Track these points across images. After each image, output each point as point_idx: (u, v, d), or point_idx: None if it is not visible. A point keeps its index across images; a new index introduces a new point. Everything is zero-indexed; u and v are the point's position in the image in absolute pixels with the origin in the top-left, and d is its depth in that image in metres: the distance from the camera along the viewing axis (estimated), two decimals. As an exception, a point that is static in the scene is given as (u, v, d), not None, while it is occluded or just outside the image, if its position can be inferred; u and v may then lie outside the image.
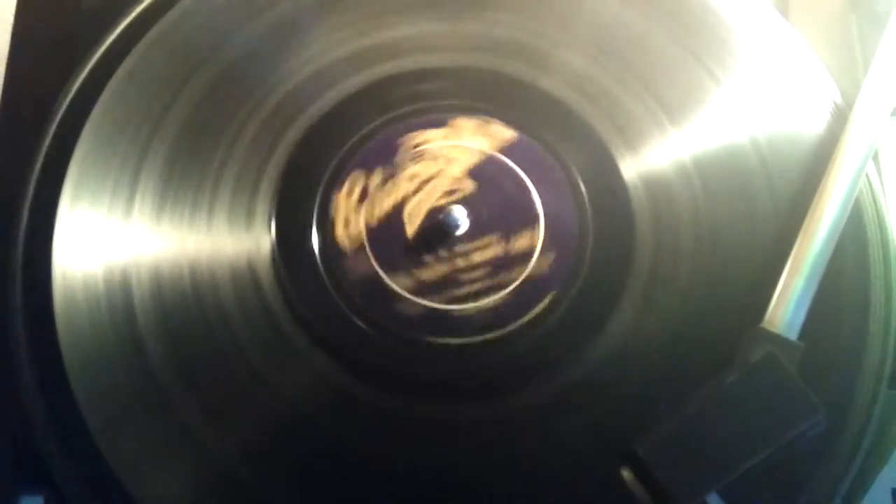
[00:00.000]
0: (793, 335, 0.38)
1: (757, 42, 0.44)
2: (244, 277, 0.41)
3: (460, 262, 0.41)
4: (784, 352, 0.37)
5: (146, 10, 0.44)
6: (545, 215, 0.42)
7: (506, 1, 0.45)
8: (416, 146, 0.43)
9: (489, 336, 0.41)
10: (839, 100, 0.43)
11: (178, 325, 0.40)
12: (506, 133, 0.43)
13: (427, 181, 0.42)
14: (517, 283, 0.41)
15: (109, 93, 0.43)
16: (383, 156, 0.43)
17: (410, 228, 0.42)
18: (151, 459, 0.39)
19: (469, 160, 0.43)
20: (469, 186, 0.42)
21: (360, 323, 0.41)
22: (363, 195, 0.42)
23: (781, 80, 0.44)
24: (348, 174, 0.43)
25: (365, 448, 0.40)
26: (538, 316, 0.41)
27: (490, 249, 0.41)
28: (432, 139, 0.43)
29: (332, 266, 0.41)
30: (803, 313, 0.39)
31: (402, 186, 0.42)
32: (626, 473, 0.36)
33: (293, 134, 0.43)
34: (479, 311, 0.41)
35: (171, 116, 0.43)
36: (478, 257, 0.41)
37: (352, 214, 0.42)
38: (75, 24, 0.47)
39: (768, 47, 0.44)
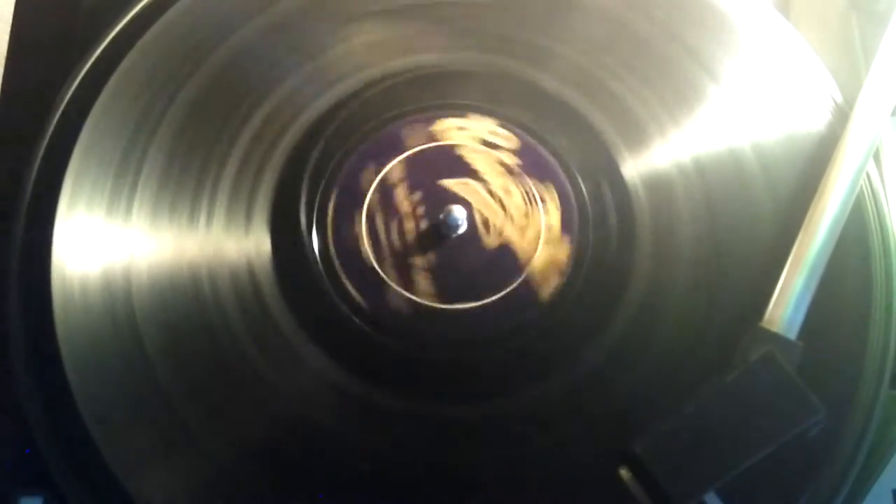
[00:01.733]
0: (792, 334, 0.38)
1: (758, 42, 0.44)
2: (243, 278, 0.41)
3: (457, 262, 0.41)
4: (783, 351, 0.37)
5: (144, 11, 0.44)
6: (546, 221, 0.42)
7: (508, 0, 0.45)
8: (424, 140, 0.43)
9: (487, 336, 0.41)
10: (840, 99, 0.43)
11: (177, 326, 0.40)
12: (512, 138, 0.43)
13: (434, 176, 0.43)
14: (513, 286, 0.41)
15: (108, 93, 0.43)
16: (389, 149, 0.43)
17: (409, 225, 0.42)
18: (151, 459, 0.39)
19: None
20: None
21: (359, 323, 0.41)
22: (366, 189, 0.42)
23: (782, 80, 0.44)
24: (353, 166, 0.43)
25: (364, 448, 0.40)
26: (537, 316, 0.41)
27: (489, 251, 0.41)
28: (442, 133, 0.43)
29: (330, 264, 0.41)
30: (803, 313, 0.39)
31: (404, 184, 0.42)
32: (624, 472, 0.36)
33: (293, 134, 0.43)
34: (474, 312, 0.41)
35: (169, 117, 0.43)
36: (476, 258, 0.41)
37: (353, 207, 0.42)
38: (74, 23, 0.47)
39: (769, 47, 0.44)
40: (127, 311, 0.40)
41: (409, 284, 0.41)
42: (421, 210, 0.42)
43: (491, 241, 0.42)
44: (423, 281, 0.41)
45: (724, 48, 0.44)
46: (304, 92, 0.44)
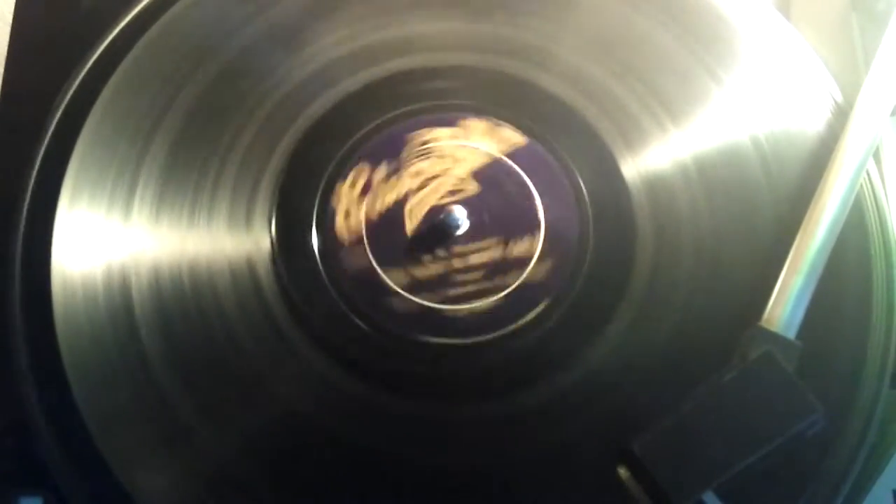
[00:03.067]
0: (791, 334, 0.38)
1: (758, 41, 0.44)
2: (244, 277, 0.41)
3: (457, 263, 0.41)
4: (782, 350, 0.37)
5: (145, 11, 0.44)
6: (547, 222, 0.42)
7: (508, 0, 0.45)
8: (423, 143, 0.43)
9: (486, 337, 0.40)
10: (840, 99, 0.43)
11: (177, 325, 0.40)
12: (515, 138, 0.43)
13: (431, 179, 0.42)
14: (512, 287, 0.41)
15: (108, 92, 0.43)
16: (390, 150, 0.43)
17: (410, 225, 0.42)
18: (150, 459, 0.39)
19: (475, 161, 0.43)
20: (473, 188, 0.42)
21: (359, 323, 0.41)
22: (366, 188, 0.42)
23: (782, 80, 0.44)
24: (353, 166, 0.43)
25: (364, 447, 0.40)
26: (537, 318, 0.41)
27: (488, 252, 0.41)
28: (441, 137, 0.43)
29: (331, 263, 0.41)
30: (802, 312, 0.39)
31: (406, 182, 0.42)
32: (622, 472, 0.36)
33: (293, 133, 0.43)
34: (472, 313, 0.41)
35: (170, 116, 0.43)
36: (475, 259, 0.41)
37: (353, 206, 0.42)
38: (74, 23, 0.47)
39: (769, 47, 0.44)
40: (127, 311, 0.40)
41: (408, 284, 0.41)
42: (421, 210, 0.42)
43: (490, 244, 0.42)
44: (463, 287, 0.41)
45: (725, 48, 0.44)
46: (304, 92, 0.44)
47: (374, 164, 0.43)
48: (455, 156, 0.43)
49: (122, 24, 0.44)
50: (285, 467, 0.39)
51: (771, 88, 0.43)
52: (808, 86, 0.44)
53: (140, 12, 0.44)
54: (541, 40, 0.45)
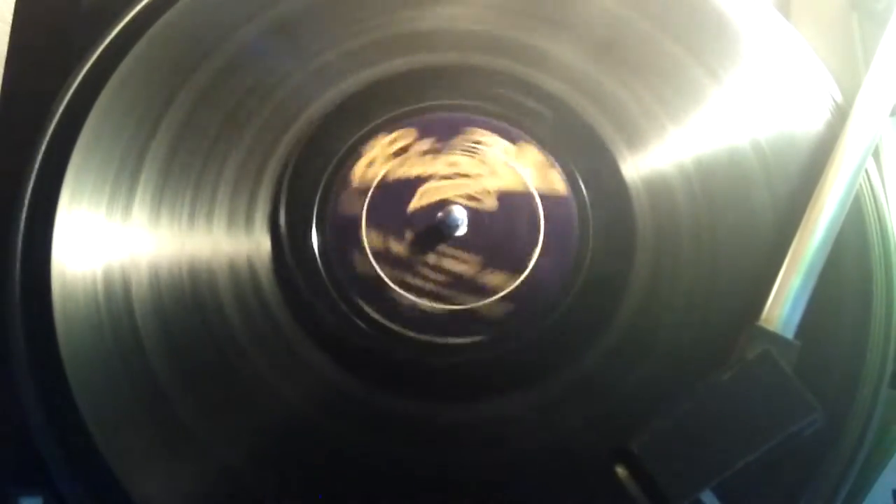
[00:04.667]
0: (789, 333, 0.38)
1: (758, 41, 0.44)
2: (244, 277, 0.41)
3: (430, 258, 0.41)
4: (780, 350, 0.37)
5: (144, 11, 0.44)
6: (531, 271, 0.42)
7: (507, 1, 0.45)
8: (476, 142, 0.43)
9: (487, 336, 0.41)
10: (840, 99, 0.43)
11: (177, 325, 0.40)
12: (559, 185, 0.43)
13: (461, 176, 0.42)
14: (460, 308, 0.41)
15: (108, 93, 0.43)
16: (445, 131, 0.43)
17: (415, 203, 0.42)
18: (151, 459, 0.39)
19: (509, 183, 0.43)
20: (491, 204, 0.42)
21: (359, 323, 0.41)
22: (402, 151, 0.42)
23: (782, 80, 0.44)
24: (404, 126, 0.43)
25: (364, 447, 0.40)
26: (539, 316, 0.41)
27: (463, 266, 0.41)
28: (494, 145, 0.43)
29: (330, 265, 0.41)
30: (800, 311, 0.39)
31: (438, 166, 0.42)
32: (620, 471, 0.36)
33: (293, 133, 0.43)
34: (416, 308, 0.41)
35: (170, 116, 0.43)
36: (448, 264, 0.41)
37: (379, 160, 0.42)
38: (74, 23, 0.47)
39: (769, 47, 0.44)
40: (127, 311, 0.40)
41: (408, 284, 0.41)
42: (433, 196, 0.42)
43: (469, 260, 0.42)
44: (422, 281, 0.41)
45: (724, 48, 0.44)
46: (304, 92, 0.44)
47: (423, 135, 0.43)
48: (494, 168, 0.43)
49: (122, 24, 0.44)
50: (286, 467, 0.39)
51: (770, 88, 0.43)
52: (808, 86, 0.44)
53: (140, 12, 0.44)
54: (542, 40, 0.45)
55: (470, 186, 0.42)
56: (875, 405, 0.40)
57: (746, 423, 0.36)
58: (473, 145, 0.43)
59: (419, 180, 0.42)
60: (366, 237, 0.41)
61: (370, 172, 0.42)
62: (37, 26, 0.47)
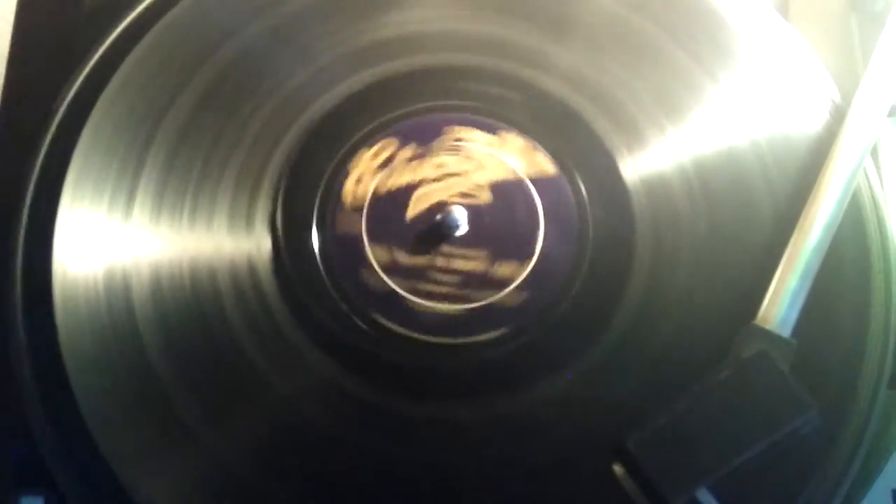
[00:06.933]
0: (786, 332, 0.38)
1: (756, 41, 0.44)
2: (244, 277, 0.41)
3: (439, 262, 0.41)
4: (777, 349, 0.38)
5: (146, 11, 0.45)
6: (540, 256, 0.42)
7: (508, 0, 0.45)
8: (457, 139, 0.43)
9: (487, 336, 0.41)
10: (838, 99, 0.43)
11: (178, 326, 0.40)
12: (547, 166, 0.43)
13: (450, 175, 0.42)
14: (478, 304, 0.41)
15: (109, 93, 0.43)
16: (424, 134, 0.43)
17: (412, 211, 0.42)
18: (150, 459, 0.39)
19: (498, 174, 0.43)
20: (485, 197, 0.42)
21: (360, 323, 0.41)
22: (387, 162, 0.42)
23: (781, 80, 0.44)
24: (384, 137, 0.43)
25: (364, 447, 0.40)
26: (539, 316, 0.41)
27: (473, 262, 0.41)
28: (476, 140, 0.43)
29: (331, 265, 0.41)
30: (797, 311, 0.39)
31: (426, 170, 0.42)
32: (617, 469, 0.36)
33: (294, 134, 0.43)
34: (433, 312, 0.41)
35: (171, 116, 0.43)
36: (458, 264, 0.41)
37: (367, 175, 0.42)
38: (76, 23, 0.47)
39: (768, 47, 0.44)
40: (128, 311, 0.40)
41: (386, 264, 0.41)
42: (428, 200, 0.42)
43: (477, 256, 0.42)
44: (422, 281, 0.41)
45: (723, 48, 0.44)
46: (305, 92, 0.44)
47: (404, 143, 0.43)
48: (481, 162, 0.43)
49: (124, 24, 0.44)
50: (286, 467, 0.39)
51: (769, 88, 0.44)
52: (807, 86, 0.44)
53: (141, 12, 0.45)
54: (542, 40, 0.45)
55: (461, 184, 0.42)
56: (874, 405, 0.40)
57: (743, 422, 0.36)
58: (456, 143, 0.43)
59: (410, 188, 0.42)
60: (371, 254, 0.41)
61: (360, 190, 0.42)
62: (39, 26, 0.47)
